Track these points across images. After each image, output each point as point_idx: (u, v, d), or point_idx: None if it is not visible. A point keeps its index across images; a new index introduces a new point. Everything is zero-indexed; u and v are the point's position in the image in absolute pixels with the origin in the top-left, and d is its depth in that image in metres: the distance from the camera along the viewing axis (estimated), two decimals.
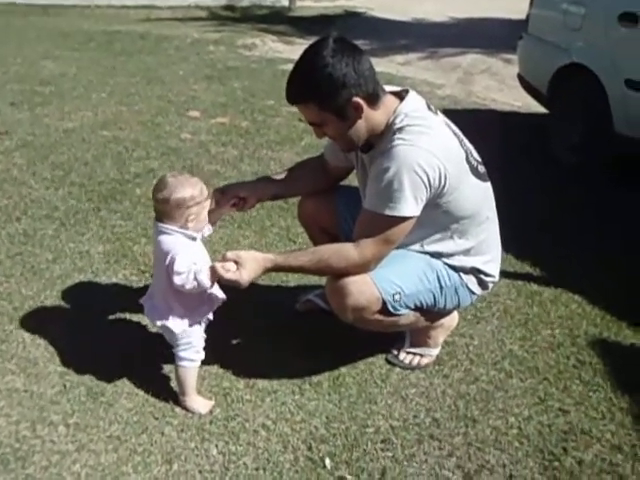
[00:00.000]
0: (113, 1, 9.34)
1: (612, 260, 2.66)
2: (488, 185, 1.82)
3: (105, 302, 2.21)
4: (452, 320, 2.02)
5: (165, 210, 1.62)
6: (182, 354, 1.73)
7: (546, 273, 2.55)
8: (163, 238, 1.63)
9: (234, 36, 7.62)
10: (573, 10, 3.66)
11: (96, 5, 9.20)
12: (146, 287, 2.28)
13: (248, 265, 1.60)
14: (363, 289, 1.68)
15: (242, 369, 1.91)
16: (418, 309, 1.80)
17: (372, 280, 1.69)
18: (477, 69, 6.54)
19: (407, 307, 1.76)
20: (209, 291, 1.68)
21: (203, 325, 1.76)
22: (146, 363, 1.91)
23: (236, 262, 1.60)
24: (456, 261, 1.80)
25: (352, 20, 9.20)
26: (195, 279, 1.58)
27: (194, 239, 1.68)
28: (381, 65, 6.04)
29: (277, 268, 1.68)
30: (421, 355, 1.99)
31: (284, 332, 2.09)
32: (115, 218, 2.80)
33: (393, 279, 1.72)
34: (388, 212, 1.60)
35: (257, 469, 1.58)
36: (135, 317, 2.13)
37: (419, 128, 1.63)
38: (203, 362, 1.88)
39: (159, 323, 1.72)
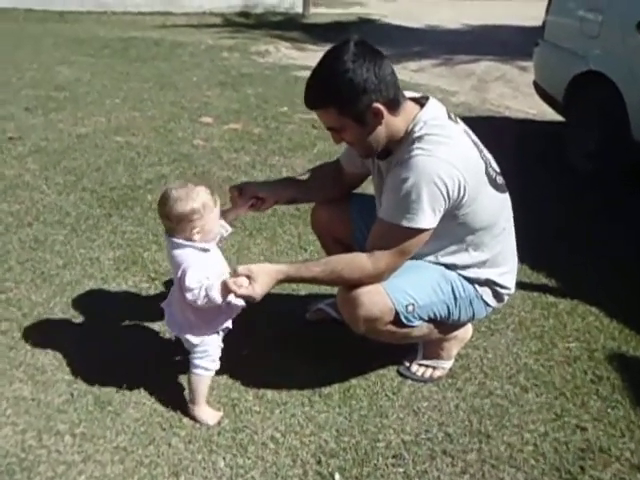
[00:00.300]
0: (129, 7, 9.42)
1: (630, 270, 2.60)
2: (506, 196, 1.78)
3: (115, 309, 2.19)
4: (466, 332, 1.98)
5: (169, 225, 1.61)
6: (197, 362, 1.71)
7: (562, 284, 2.50)
8: (174, 252, 1.62)
9: (248, 42, 7.65)
10: (590, 17, 3.61)
11: (112, 12, 9.29)
12: (156, 294, 2.28)
13: (260, 279, 1.57)
14: (376, 300, 1.65)
15: (251, 379, 1.88)
16: (432, 321, 1.76)
17: (385, 290, 1.66)
18: (491, 76, 6.49)
19: (420, 319, 1.72)
20: (228, 299, 1.66)
21: (221, 334, 1.73)
22: (155, 372, 1.88)
23: (248, 276, 1.57)
24: (471, 273, 1.76)
25: (366, 27, 9.20)
26: (206, 296, 1.56)
27: (206, 250, 1.65)
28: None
29: (289, 279, 1.65)
30: (434, 368, 1.95)
31: (294, 342, 2.06)
32: (126, 224, 2.79)
33: (407, 290, 1.68)
34: (405, 223, 1.57)
35: None
36: (145, 325, 2.11)
37: (438, 138, 1.59)
38: None
39: (177, 334, 1.71)
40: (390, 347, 1.84)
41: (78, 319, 2.14)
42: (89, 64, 5.93)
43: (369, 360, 1.97)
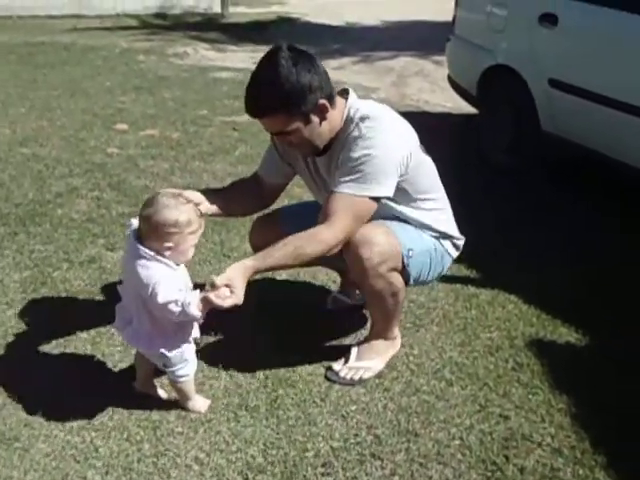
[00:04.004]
0: (37, 11, 8.89)
1: (544, 257, 2.69)
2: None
3: (21, 335, 2.04)
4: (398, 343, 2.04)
5: (144, 229, 1.55)
6: (179, 372, 1.68)
7: (482, 274, 2.55)
8: (140, 262, 1.54)
9: (165, 45, 7.41)
10: (496, 12, 3.72)
11: (18, 16, 8.76)
12: (67, 317, 2.14)
13: (238, 283, 1.57)
14: (390, 240, 1.75)
15: (172, 399, 1.79)
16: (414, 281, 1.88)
17: (394, 233, 1.77)
18: (410, 71, 6.60)
19: (414, 267, 1.83)
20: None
21: (192, 338, 1.70)
22: (64, 401, 1.76)
23: (227, 285, 1.55)
24: (434, 221, 1.91)
25: (286, 26, 9.14)
26: (184, 312, 1.51)
27: (174, 267, 1.59)
28: None
29: (259, 272, 1.66)
30: (365, 369, 1.93)
31: (214, 355, 1.98)
32: (34, 242, 2.62)
33: (405, 235, 1.81)
34: (361, 193, 1.67)
35: None
36: (54, 351, 1.98)
37: (377, 113, 1.74)
38: (127, 393, 1.78)
39: (150, 352, 1.65)
40: (318, 350, 1.83)
41: None
42: None
43: (295, 367, 1.93)
